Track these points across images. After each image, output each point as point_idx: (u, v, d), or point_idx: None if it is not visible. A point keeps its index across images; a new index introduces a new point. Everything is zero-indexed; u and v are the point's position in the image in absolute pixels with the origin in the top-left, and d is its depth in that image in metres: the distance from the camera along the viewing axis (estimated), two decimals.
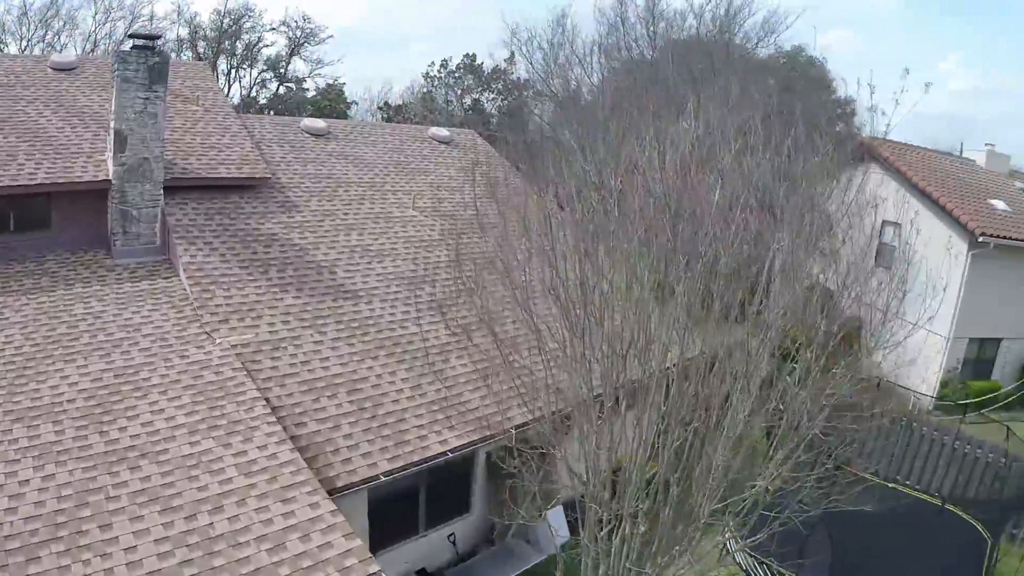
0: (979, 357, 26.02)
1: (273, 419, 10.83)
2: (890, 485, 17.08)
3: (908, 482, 18.26)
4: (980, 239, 22.71)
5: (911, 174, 25.29)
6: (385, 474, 11.28)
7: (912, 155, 27.49)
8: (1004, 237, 23.28)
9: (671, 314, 9.60)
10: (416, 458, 11.88)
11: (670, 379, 9.54)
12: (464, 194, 18.73)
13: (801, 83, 38.57)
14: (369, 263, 15.86)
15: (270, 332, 12.98)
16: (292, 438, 10.80)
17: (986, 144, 32.39)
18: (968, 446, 17.92)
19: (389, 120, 37.98)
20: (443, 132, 21.96)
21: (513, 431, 10.74)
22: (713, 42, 30.19)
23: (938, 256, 24.56)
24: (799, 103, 34.79)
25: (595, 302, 9.54)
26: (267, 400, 11.32)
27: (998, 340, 26.18)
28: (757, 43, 40.83)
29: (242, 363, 11.94)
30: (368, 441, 11.69)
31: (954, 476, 18.05)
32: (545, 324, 10.04)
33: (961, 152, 46.93)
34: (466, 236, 13.90)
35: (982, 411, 23.92)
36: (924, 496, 17.36)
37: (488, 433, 12.34)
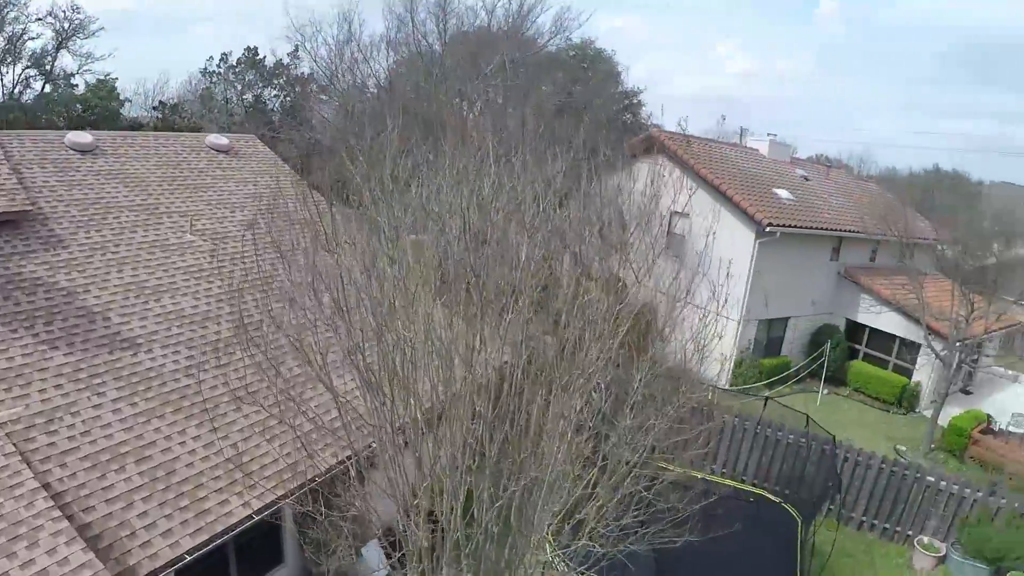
0: (769, 336, 27.84)
1: (58, 513, 9.09)
2: (699, 476, 17.62)
3: (724, 471, 19.09)
4: (767, 229, 24.05)
5: (699, 167, 26.40)
6: (190, 552, 9.86)
7: (698, 147, 28.75)
8: (789, 226, 24.84)
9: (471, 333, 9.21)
10: (220, 527, 10.43)
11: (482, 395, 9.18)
12: (247, 212, 17.44)
13: (590, 76, 39.48)
14: (146, 303, 13.88)
15: (42, 401, 10.91)
16: (82, 528, 9.20)
17: (768, 134, 34.60)
18: (769, 430, 18.93)
19: (164, 121, 35.13)
20: (222, 140, 20.04)
21: (316, 479, 10.10)
22: (503, 37, 30.14)
23: (726, 244, 25.97)
24: (593, 97, 36.10)
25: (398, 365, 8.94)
26: (48, 486, 9.52)
27: (785, 319, 28.10)
28: (549, 39, 41.58)
29: (13, 445, 9.94)
30: (166, 517, 10.14)
31: (757, 458, 19.07)
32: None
33: (742, 136, 49.80)
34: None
35: (776, 388, 25.68)
36: (735, 484, 18.13)
37: (292, 486, 11.31)
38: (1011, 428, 24.58)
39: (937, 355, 24.47)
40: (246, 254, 14.63)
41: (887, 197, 36.90)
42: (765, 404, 19.93)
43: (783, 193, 27.63)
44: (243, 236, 16.03)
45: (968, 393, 28.68)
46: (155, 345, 13.03)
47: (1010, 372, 30.13)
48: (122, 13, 74.11)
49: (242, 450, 11.82)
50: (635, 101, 43.34)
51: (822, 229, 26.89)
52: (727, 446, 19.30)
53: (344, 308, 8.51)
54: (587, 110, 29.67)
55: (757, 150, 33.05)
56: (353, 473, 9.23)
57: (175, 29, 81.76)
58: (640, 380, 10.09)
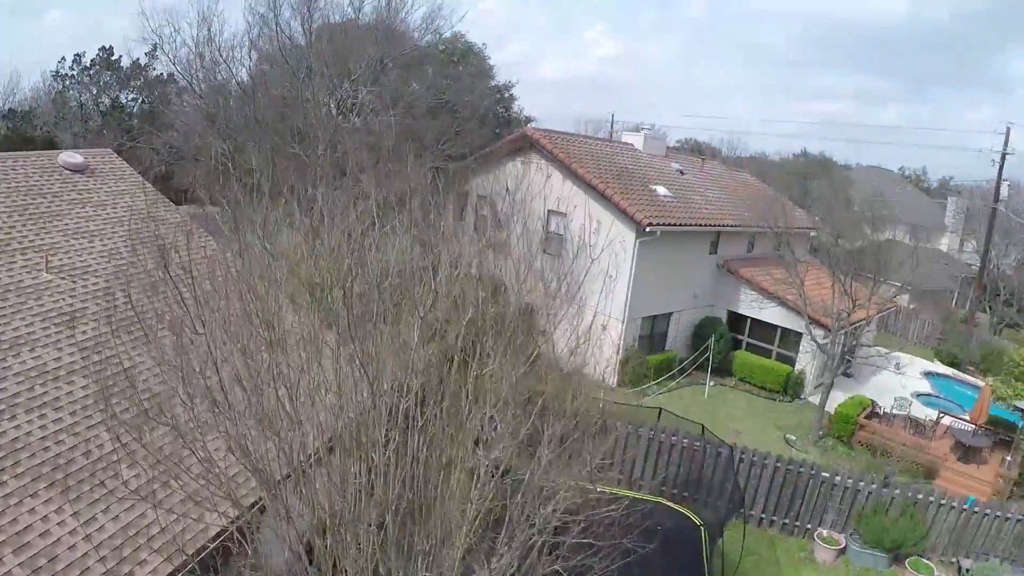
0: (653, 331, 27.46)
1: None
2: (600, 489, 16.87)
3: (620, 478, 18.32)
4: (647, 229, 23.54)
5: (576, 166, 25.61)
6: None
7: (574, 145, 28.03)
8: (669, 224, 24.42)
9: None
10: None
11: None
12: (107, 240, 15.29)
13: (461, 71, 38.54)
14: (4, 360, 11.53)
15: None
16: None
17: (642, 127, 34.39)
18: (663, 435, 18.34)
19: (15, 132, 31.76)
20: (76, 158, 17.65)
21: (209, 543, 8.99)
22: (373, 33, 28.81)
23: (605, 241, 25.39)
24: (465, 95, 35.13)
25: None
26: None
27: (668, 314, 27.81)
28: (420, 36, 40.43)
29: None
30: None
31: (653, 465, 18.45)
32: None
33: (612, 125, 49.80)
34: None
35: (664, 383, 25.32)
36: (635, 495, 17.41)
37: (185, 557, 9.71)
38: (895, 411, 24.99)
39: (820, 347, 24.63)
40: (109, 290, 12.82)
41: (765, 191, 37.56)
42: (659, 416, 19.39)
43: (661, 190, 27.26)
44: (105, 269, 14.15)
45: (849, 376, 29.15)
46: (18, 410, 10.79)
47: (886, 351, 30.72)
48: None
49: (126, 522, 10.07)
50: (507, 95, 42.68)
51: (701, 225, 26.65)
52: (621, 454, 18.63)
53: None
54: (458, 110, 28.60)
55: (632, 144, 32.67)
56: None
57: (30, 13, 75.46)
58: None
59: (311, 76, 24.97)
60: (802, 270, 25.94)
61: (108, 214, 16.05)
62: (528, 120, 50.20)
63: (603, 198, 24.76)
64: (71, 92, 28.66)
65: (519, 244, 11.98)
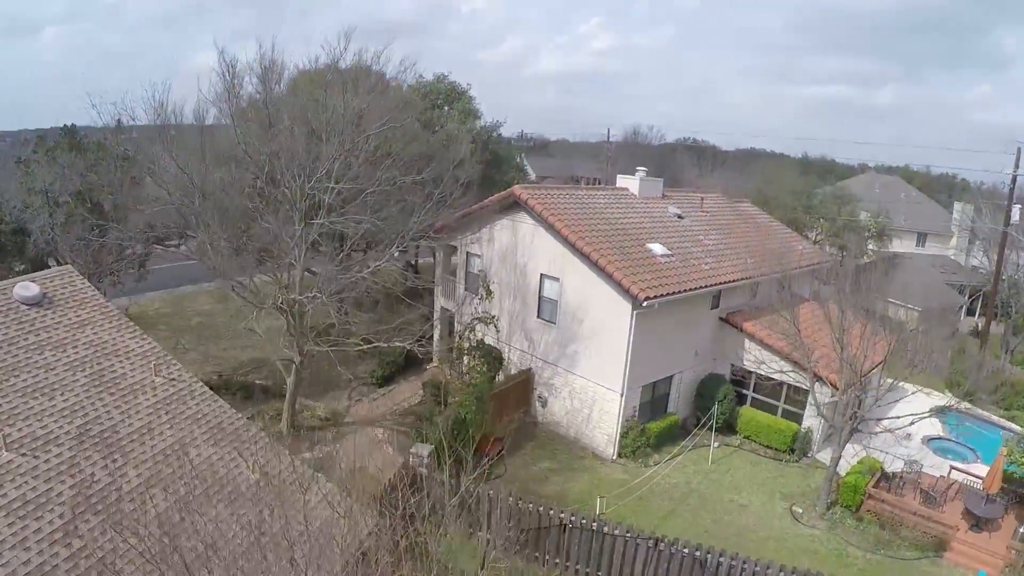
0: (655, 396, 26.56)
1: None
2: None
3: None
4: (644, 304, 22.60)
5: (566, 231, 24.53)
6: None
7: (564, 201, 26.96)
8: (666, 295, 23.39)
9: None
10: None
11: None
12: (68, 394, 13.90)
13: (446, 116, 37.69)
14: None
15: None
16: None
17: (638, 169, 33.34)
18: (663, 544, 17.52)
19: None
20: (31, 289, 15.77)
21: None
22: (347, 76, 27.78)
23: (602, 313, 24.56)
24: (450, 143, 34.12)
25: None
26: None
27: (670, 376, 26.89)
28: (397, 74, 39.54)
29: None
30: None
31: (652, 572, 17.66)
32: None
33: (608, 136, 49.05)
34: None
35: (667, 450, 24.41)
36: None
37: None
38: (905, 472, 24.14)
39: (822, 414, 23.78)
40: (74, 461, 12.01)
41: (767, 226, 36.48)
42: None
43: (658, 248, 26.17)
44: (68, 434, 13.09)
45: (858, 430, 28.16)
46: None
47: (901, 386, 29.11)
48: None
49: None
50: (495, 135, 41.76)
51: (702, 287, 25.62)
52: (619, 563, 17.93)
53: None
54: (439, 161, 27.62)
55: (627, 189, 31.73)
56: None
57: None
58: None
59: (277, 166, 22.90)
60: (806, 313, 24.87)
61: (69, 356, 14.96)
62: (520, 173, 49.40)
63: (597, 268, 23.78)
64: (37, 177, 26.44)
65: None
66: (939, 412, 23.51)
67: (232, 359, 31.24)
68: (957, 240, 66.10)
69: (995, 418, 33.22)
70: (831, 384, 24.45)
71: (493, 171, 39.82)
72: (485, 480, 23.12)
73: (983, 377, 36.90)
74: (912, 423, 22.31)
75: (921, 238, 67.34)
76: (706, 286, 25.64)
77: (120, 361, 15.98)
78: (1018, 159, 38.62)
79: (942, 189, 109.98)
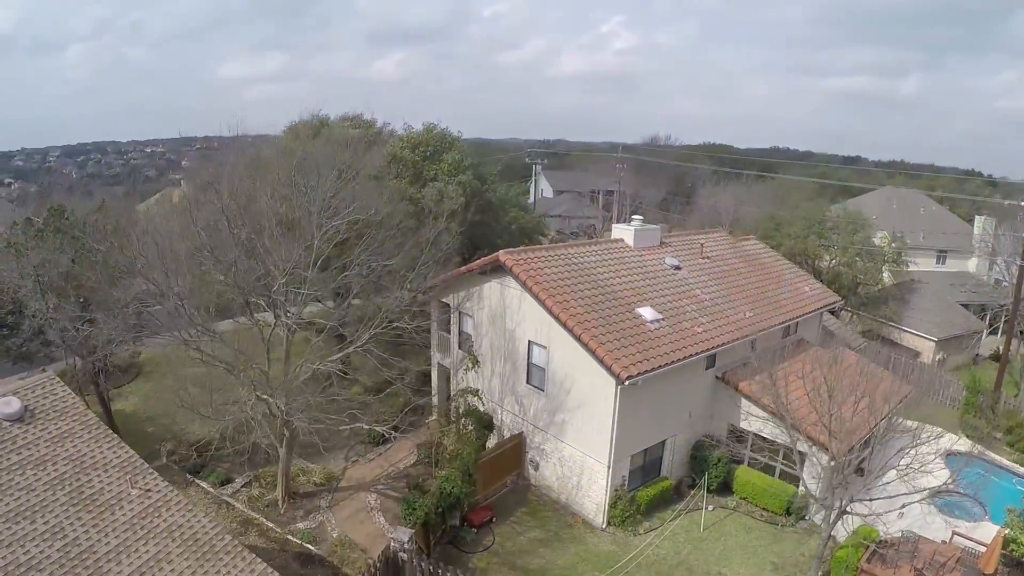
0: (646, 462, 26.30)
1: None
2: None
3: None
4: (627, 382, 22.38)
5: (550, 302, 24.30)
6: None
7: (550, 265, 26.61)
8: (651, 371, 23.06)
9: None
10: None
11: None
12: (49, 515, 14.19)
13: (437, 167, 37.90)
14: None
15: None
16: None
17: (633, 217, 33.12)
18: None
19: None
20: (13, 405, 15.95)
21: None
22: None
23: (588, 384, 24.35)
24: (442, 198, 34.31)
25: None
26: None
27: (662, 441, 26.64)
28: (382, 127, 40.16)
29: None
30: None
31: None
32: None
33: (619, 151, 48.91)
34: None
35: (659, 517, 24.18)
36: None
37: None
38: (901, 542, 23.69)
39: (811, 495, 23.35)
40: None
41: (772, 267, 35.98)
42: None
43: (648, 314, 25.78)
44: (50, 559, 13.34)
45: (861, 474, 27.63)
46: None
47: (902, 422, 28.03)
48: None
49: None
50: (488, 185, 41.76)
51: (692, 356, 25.15)
52: None
53: None
54: (432, 216, 27.72)
55: (622, 240, 31.32)
56: None
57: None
58: None
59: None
60: (811, 360, 24.23)
61: (49, 474, 15.37)
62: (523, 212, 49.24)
63: (580, 342, 23.63)
64: (24, 261, 26.37)
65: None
66: (934, 494, 22.92)
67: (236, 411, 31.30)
68: (977, 259, 64.97)
69: (1006, 462, 32.41)
70: (824, 448, 23.98)
71: (490, 218, 39.78)
72: (472, 552, 23.29)
73: (996, 418, 36.21)
74: (903, 507, 21.84)
75: (941, 256, 66.24)
76: (697, 353, 25.26)
77: (99, 474, 16.34)
78: None
79: (967, 190, 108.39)
